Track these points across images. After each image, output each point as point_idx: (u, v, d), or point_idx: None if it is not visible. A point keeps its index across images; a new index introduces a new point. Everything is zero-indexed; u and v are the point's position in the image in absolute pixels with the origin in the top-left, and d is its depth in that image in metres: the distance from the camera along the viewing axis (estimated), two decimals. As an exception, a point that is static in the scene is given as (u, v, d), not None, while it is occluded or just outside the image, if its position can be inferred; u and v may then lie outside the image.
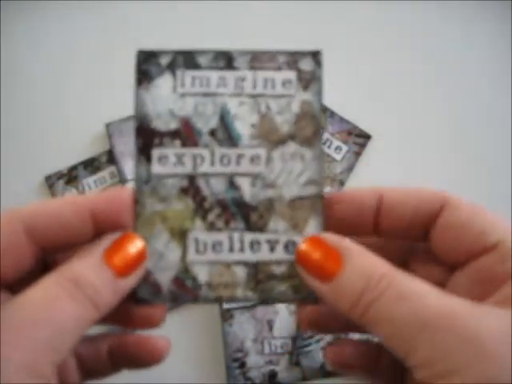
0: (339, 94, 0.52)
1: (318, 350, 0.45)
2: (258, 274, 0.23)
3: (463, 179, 0.51)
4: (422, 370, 0.18)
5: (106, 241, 0.21)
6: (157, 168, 0.23)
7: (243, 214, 0.23)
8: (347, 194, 0.23)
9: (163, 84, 0.23)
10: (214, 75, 0.23)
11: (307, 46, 0.54)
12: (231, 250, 0.23)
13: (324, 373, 0.45)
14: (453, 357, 0.17)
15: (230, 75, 0.23)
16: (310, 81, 0.24)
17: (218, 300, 0.23)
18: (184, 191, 0.23)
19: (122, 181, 0.49)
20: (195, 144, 0.23)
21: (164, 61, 0.24)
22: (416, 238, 0.23)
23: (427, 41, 0.54)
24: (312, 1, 0.55)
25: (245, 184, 0.23)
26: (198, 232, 0.23)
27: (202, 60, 0.24)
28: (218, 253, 0.23)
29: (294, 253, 0.23)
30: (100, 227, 0.22)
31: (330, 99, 0.51)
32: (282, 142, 0.23)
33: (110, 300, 0.21)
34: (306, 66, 0.24)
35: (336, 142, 0.51)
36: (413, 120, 0.52)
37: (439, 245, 0.22)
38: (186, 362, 0.46)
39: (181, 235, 0.23)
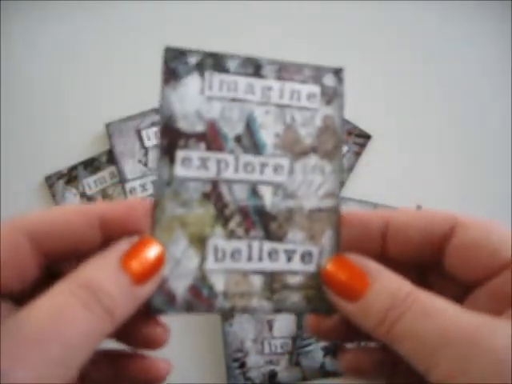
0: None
1: (318, 349, 0.45)
2: (273, 283, 0.23)
3: (463, 179, 0.51)
4: (443, 381, 0.18)
5: (123, 245, 0.20)
6: (180, 170, 0.22)
7: (263, 222, 0.23)
8: (354, 217, 0.23)
9: (191, 84, 0.23)
10: (241, 81, 0.23)
11: (307, 46, 0.54)
12: (250, 258, 0.23)
13: (324, 373, 0.45)
14: (471, 371, 0.18)
15: (257, 83, 0.23)
16: (333, 96, 0.24)
17: (233, 310, 0.22)
18: (206, 196, 0.22)
19: (122, 181, 0.49)
20: (220, 149, 0.23)
21: (192, 60, 0.23)
22: (427, 260, 0.23)
23: (427, 41, 0.54)
24: (312, 1, 0.55)
25: (267, 193, 0.23)
26: (218, 239, 0.22)
27: (231, 64, 0.23)
28: (236, 261, 0.22)
29: (310, 263, 0.23)
30: (109, 235, 0.21)
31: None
32: (304, 153, 0.23)
33: (127, 310, 0.19)
34: (329, 82, 0.24)
35: (336, 142, 0.51)
36: (413, 120, 0.52)
37: (454, 265, 0.22)
38: (186, 362, 0.46)
39: (200, 242, 0.22)
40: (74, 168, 0.50)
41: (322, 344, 0.45)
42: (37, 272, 0.21)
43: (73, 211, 0.21)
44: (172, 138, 0.22)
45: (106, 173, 0.50)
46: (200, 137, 0.22)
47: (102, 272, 0.19)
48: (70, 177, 0.50)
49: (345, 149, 0.51)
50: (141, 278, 0.20)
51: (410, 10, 0.55)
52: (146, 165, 0.49)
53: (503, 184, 0.51)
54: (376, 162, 0.51)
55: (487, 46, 0.54)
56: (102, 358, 0.21)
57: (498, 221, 0.22)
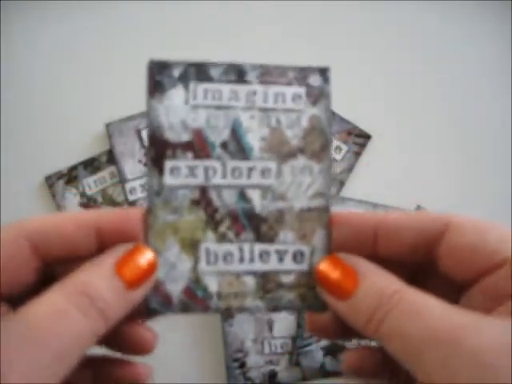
0: (339, 94, 0.52)
1: (318, 350, 0.45)
2: (266, 283, 0.23)
3: (463, 179, 0.51)
4: (426, 381, 0.19)
5: (117, 251, 0.21)
6: (169, 179, 0.23)
7: (253, 225, 0.23)
8: (345, 217, 0.24)
9: (176, 96, 0.23)
10: (225, 88, 0.24)
11: (307, 46, 0.54)
12: (241, 260, 0.23)
13: (324, 373, 0.45)
14: (454, 369, 0.18)
15: (241, 89, 0.24)
16: (319, 96, 0.24)
17: (228, 310, 0.23)
18: (195, 203, 0.23)
19: (122, 181, 0.49)
20: (208, 156, 0.23)
21: (176, 72, 0.24)
22: (419, 260, 0.23)
23: (427, 41, 0.54)
24: (312, 1, 0.55)
25: (255, 196, 0.23)
26: (209, 243, 0.23)
27: (214, 72, 0.24)
28: (228, 263, 0.23)
29: (302, 262, 0.23)
30: (104, 242, 0.22)
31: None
32: (291, 155, 0.24)
33: (120, 313, 0.20)
34: (315, 82, 0.24)
35: (336, 142, 0.51)
36: (413, 120, 0.52)
37: (447, 265, 0.22)
38: (186, 362, 0.46)
39: (192, 246, 0.23)
40: (74, 168, 0.50)
41: (322, 344, 0.45)
42: (35, 276, 0.21)
43: (70, 218, 0.22)
44: (160, 149, 0.23)
45: (106, 173, 0.50)
46: (187, 146, 0.23)
47: (98, 277, 0.20)
48: (70, 177, 0.50)
49: (345, 149, 0.51)
50: (134, 283, 0.21)
51: (409, 10, 0.55)
52: (146, 165, 0.49)
53: (503, 184, 0.51)
54: (376, 162, 0.51)
55: (487, 45, 0.54)
56: (82, 363, 0.21)
57: (494, 220, 0.22)
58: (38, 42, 0.54)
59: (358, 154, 0.51)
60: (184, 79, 0.23)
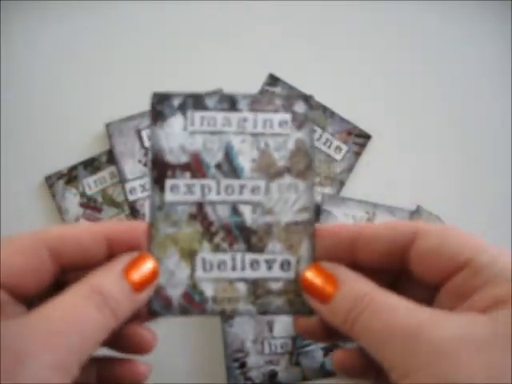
0: (339, 94, 0.52)
1: (318, 349, 0.45)
2: (257, 289, 0.26)
3: (463, 179, 0.51)
4: (392, 372, 0.20)
5: (125, 259, 0.24)
6: (169, 196, 0.26)
7: (245, 236, 0.26)
8: (327, 230, 0.26)
9: (175, 123, 0.26)
10: (219, 116, 0.27)
11: (307, 46, 0.53)
12: (234, 268, 0.26)
13: (324, 373, 0.45)
14: (415, 359, 0.19)
15: (233, 116, 0.27)
16: (303, 122, 0.27)
17: (223, 313, 0.25)
18: (193, 216, 0.26)
19: (122, 181, 0.49)
20: (203, 176, 0.26)
21: (176, 102, 0.27)
22: (396, 267, 0.25)
23: (427, 41, 0.54)
24: (312, 1, 0.55)
25: (246, 211, 0.26)
26: (205, 253, 0.26)
27: (209, 102, 0.27)
28: (222, 271, 0.26)
29: (288, 271, 0.26)
30: (113, 250, 0.24)
31: (330, 99, 0.51)
32: (279, 174, 0.26)
33: (128, 311, 0.23)
34: (300, 109, 0.27)
35: (336, 142, 0.51)
36: (413, 120, 0.52)
37: (417, 270, 0.24)
38: (186, 362, 0.46)
39: (190, 255, 0.26)
40: (74, 168, 0.50)
41: (322, 344, 0.45)
42: (50, 280, 0.24)
43: (85, 228, 0.25)
44: (161, 170, 0.26)
45: (106, 173, 0.50)
46: (185, 167, 0.26)
47: (109, 280, 0.23)
48: (70, 177, 0.50)
49: (345, 149, 0.51)
50: (139, 286, 0.23)
51: (410, 10, 0.55)
52: (146, 165, 0.49)
53: (503, 184, 0.51)
54: (376, 162, 0.51)
55: (487, 45, 0.54)
56: (86, 362, 0.24)
57: (456, 226, 0.24)
58: (38, 41, 0.54)
59: (358, 154, 0.51)
60: (183, 108, 0.27)
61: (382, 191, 0.49)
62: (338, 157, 0.50)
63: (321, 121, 0.51)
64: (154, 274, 0.24)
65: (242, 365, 0.45)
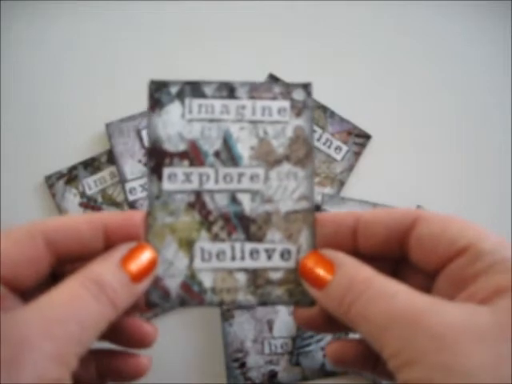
0: (339, 94, 0.52)
1: (318, 349, 0.45)
2: (256, 279, 0.25)
3: (463, 179, 0.51)
4: (391, 360, 0.20)
5: (123, 249, 0.23)
6: (167, 185, 0.25)
7: (244, 225, 0.26)
8: (329, 215, 0.26)
9: (173, 111, 0.26)
10: (217, 103, 0.26)
11: (307, 46, 0.54)
12: (233, 258, 0.25)
13: (324, 373, 0.45)
14: (415, 347, 0.19)
15: (231, 104, 0.26)
16: (302, 109, 0.26)
17: (222, 303, 0.25)
18: (191, 205, 0.25)
19: (122, 181, 0.49)
20: (202, 164, 0.26)
21: (173, 90, 0.26)
22: (395, 254, 0.25)
23: (427, 41, 0.54)
24: (312, 1, 0.55)
25: (245, 199, 0.26)
26: (204, 242, 0.25)
27: (207, 90, 0.26)
28: (221, 261, 0.25)
29: (289, 260, 0.25)
30: (111, 241, 0.24)
31: (330, 99, 0.51)
32: (278, 162, 0.26)
33: (127, 301, 0.23)
34: (298, 96, 0.26)
35: (336, 142, 0.51)
36: (413, 120, 0.52)
37: (416, 256, 0.24)
38: (186, 362, 0.46)
39: (188, 245, 0.25)
40: (74, 168, 0.50)
41: (322, 344, 0.45)
42: (47, 271, 0.24)
43: (82, 218, 0.24)
44: (159, 158, 0.26)
45: (106, 173, 0.50)
46: (183, 155, 0.26)
47: (106, 269, 0.22)
48: (70, 177, 0.50)
49: (345, 149, 0.51)
50: (137, 276, 0.23)
51: (410, 10, 0.55)
52: (146, 164, 0.49)
53: (503, 184, 0.51)
54: (376, 162, 0.51)
55: (487, 45, 0.54)
56: (86, 356, 0.24)
57: (457, 214, 0.23)
58: (39, 42, 0.54)
59: (358, 154, 0.51)
60: (180, 96, 0.26)
61: (382, 191, 0.49)
62: (338, 157, 0.50)
63: (321, 121, 0.51)
64: (152, 264, 0.24)
65: (242, 365, 0.45)
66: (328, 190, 0.50)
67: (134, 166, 0.49)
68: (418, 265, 0.24)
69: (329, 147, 0.51)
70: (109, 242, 0.24)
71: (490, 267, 0.21)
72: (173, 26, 0.55)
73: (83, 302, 0.21)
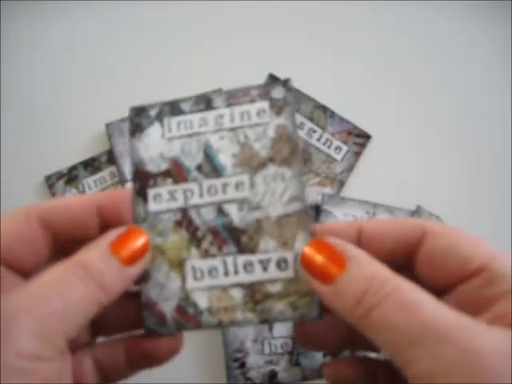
0: (339, 94, 0.52)
1: (318, 350, 0.45)
2: (254, 294, 0.23)
3: (463, 179, 0.51)
4: (422, 381, 0.18)
5: (112, 234, 0.23)
6: (153, 206, 0.25)
7: (234, 238, 0.24)
8: (328, 227, 0.24)
9: (153, 132, 0.26)
10: (195, 117, 0.26)
11: (307, 46, 0.53)
12: (226, 273, 0.24)
13: (324, 373, 0.45)
14: (453, 370, 0.17)
15: (209, 115, 0.26)
16: (282, 106, 0.25)
17: (220, 325, 0.24)
18: (178, 224, 0.25)
19: (122, 181, 0.49)
20: (185, 180, 0.25)
21: (153, 112, 0.26)
22: (398, 267, 0.23)
23: (427, 41, 0.54)
24: (312, 1, 0.55)
25: (232, 209, 0.24)
26: (194, 260, 0.24)
27: (185, 106, 0.26)
28: (214, 278, 0.24)
29: (286, 269, 0.23)
30: (106, 222, 0.24)
31: (330, 99, 0.51)
32: (262, 165, 0.25)
33: (119, 285, 0.22)
34: (278, 94, 0.26)
35: (336, 142, 0.51)
36: (413, 120, 0.52)
37: (424, 272, 0.23)
38: (186, 362, 0.46)
39: (179, 265, 0.24)
40: (74, 168, 0.50)
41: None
42: (47, 252, 0.24)
43: (74, 198, 0.25)
44: (143, 181, 0.25)
45: (106, 173, 0.50)
46: (166, 174, 0.25)
47: (93, 254, 0.22)
48: (70, 177, 0.50)
49: (345, 149, 0.51)
50: (129, 259, 0.23)
51: (410, 11, 0.55)
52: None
53: (503, 184, 0.51)
54: (376, 162, 0.51)
55: (487, 45, 0.54)
56: (114, 344, 0.24)
57: (486, 233, 0.23)
58: (39, 41, 0.54)
59: (358, 154, 0.51)
60: (160, 117, 0.26)
61: (382, 191, 0.49)
62: (338, 157, 0.50)
63: (321, 121, 0.51)
64: (144, 247, 0.24)
65: (242, 365, 0.45)
66: (328, 189, 0.50)
67: (134, 166, 0.49)
68: (425, 280, 0.23)
69: (329, 147, 0.51)
70: (103, 220, 0.24)
71: (507, 291, 0.20)
72: (173, 26, 0.55)
73: (68, 283, 0.21)
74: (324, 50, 0.54)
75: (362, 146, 0.51)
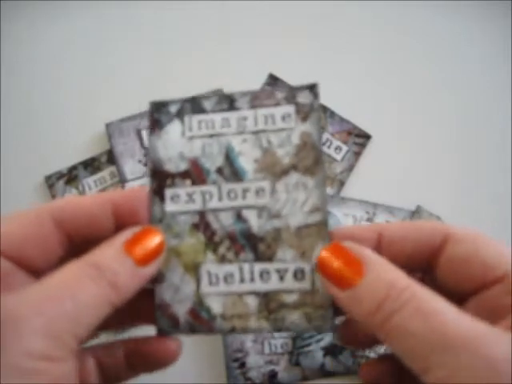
0: (339, 94, 0.52)
1: (318, 349, 0.45)
2: (269, 303, 0.23)
3: (463, 179, 0.51)
4: (429, 381, 0.18)
5: (127, 233, 0.23)
6: (170, 206, 0.24)
7: (251, 245, 0.24)
8: (347, 231, 0.24)
9: (172, 130, 0.25)
10: (217, 117, 0.25)
11: (307, 46, 0.54)
12: (242, 280, 0.24)
13: (324, 373, 0.45)
14: (471, 378, 0.17)
15: (232, 116, 0.25)
16: (309, 112, 0.24)
17: (233, 331, 0.23)
18: (195, 226, 0.24)
19: (122, 181, 0.49)
20: (204, 182, 0.24)
21: (173, 109, 0.25)
22: (418, 271, 0.24)
23: (427, 41, 0.54)
24: (312, 1, 0.55)
25: (251, 216, 0.24)
26: (210, 265, 0.24)
27: (207, 104, 0.25)
28: (229, 284, 0.24)
29: (303, 280, 0.23)
30: (121, 222, 0.24)
31: (330, 99, 0.51)
32: (284, 173, 0.24)
33: (130, 284, 0.22)
34: (304, 99, 0.25)
35: (336, 142, 0.51)
36: (413, 120, 0.52)
37: (445, 277, 0.23)
38: (186, 362, 0.46)
39: (194, 268, 0.24)
40: (74, 168, 0.50)
41: (322, 344, 0.45)
42: (61, 251, 0.24)
43: (87, 197, 0.24)
44: (160, 180, 0.25)
45: (106, 173, 0.50)
46: (185, 174, 0.25)
47: (107, 253, 0.22)
48: (70, 177, 0.50)
49: (345, 149, 0.51)
50: (143, 259, 0.22)
51: (410, 10, 0.55)
52: (146, 165, 0.49)
53: (503, 184, 0.51)
54: (376, 162, 0.51)
55: (487, 45, 0.54)
56: (116, 347, 0.24)
57: (486, 233, 0.22)
58: (39, 42, 0.54)
59: (358, 154, 0.51)
60: (180, 114, 0.25)
61: (382, 191, 0.49)
62: (338, 157, 0.50)
63: (321, 121, 0.51)
64: (159, 247, 0.23)
65: (242, 365, 0.45)
66: (328, 190, 0.50)
67: (133, 166, 0.49)
68: (445, 284, 0.23)
69: (329, 147, 0.51)
70: (118, 219, 0.24)
71: None
72: (173, 26, 0.55)
73: (80, 284, 0.21)
74: (324, 50, 0.54)
75: (362, 145, 0.51)
